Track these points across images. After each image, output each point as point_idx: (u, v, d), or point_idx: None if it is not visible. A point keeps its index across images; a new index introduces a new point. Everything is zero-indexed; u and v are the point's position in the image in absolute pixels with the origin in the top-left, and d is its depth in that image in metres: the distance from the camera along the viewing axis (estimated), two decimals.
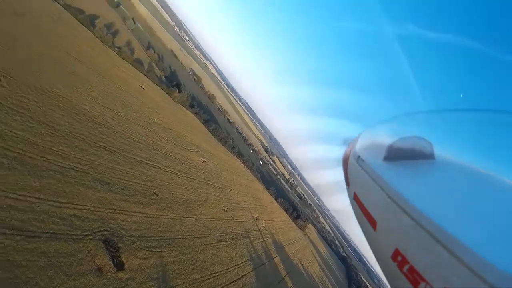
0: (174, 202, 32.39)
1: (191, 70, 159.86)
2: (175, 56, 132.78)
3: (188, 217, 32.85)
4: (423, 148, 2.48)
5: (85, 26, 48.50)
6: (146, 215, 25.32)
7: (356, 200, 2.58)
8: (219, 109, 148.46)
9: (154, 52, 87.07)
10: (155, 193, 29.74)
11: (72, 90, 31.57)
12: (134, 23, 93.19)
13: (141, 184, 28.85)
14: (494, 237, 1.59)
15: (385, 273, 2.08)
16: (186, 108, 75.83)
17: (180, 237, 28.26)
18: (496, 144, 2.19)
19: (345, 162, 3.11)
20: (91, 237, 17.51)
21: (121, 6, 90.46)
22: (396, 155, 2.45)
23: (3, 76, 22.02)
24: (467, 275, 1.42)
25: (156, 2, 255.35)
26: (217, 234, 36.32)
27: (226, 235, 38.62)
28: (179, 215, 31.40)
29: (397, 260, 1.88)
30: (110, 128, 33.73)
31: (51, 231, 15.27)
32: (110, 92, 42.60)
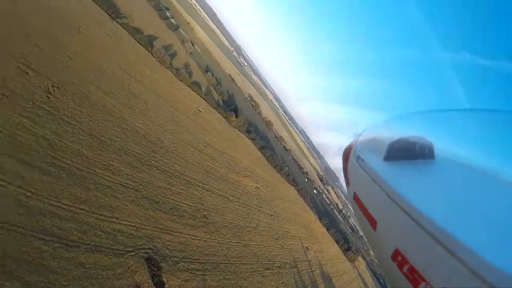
0: (224, 226, 35.04)
1: (249, 95, 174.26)
2: (233, 80, 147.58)
3: (236, 243, 35.65)
4: (423, 148, 2.79)
5: (143, 46, 57.58)
6: (193, 237, 27.24)
7: (356, 200, 2.97)
8: (275, 135, 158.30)
9: (212, 75, 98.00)
10: (204, 216, 32.38)
11: (126, 107, 36.46)
12: (193, 46, 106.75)
13: (191, 205, 31.44)
14: (494, 237, 1.79)
15: (385, 273, 2.39)
16: (243, 133, 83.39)
17: (226, 262, 30.21)
18: (496, 144, 2.46)
19: (345, 162, 3.51)
20: (133, 253, 19.18)
21: (179, 29, 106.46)
22: (396, 155, 2.82)
23: (57, 87, 26.61)
24: (467, 275, 1.63)
25: (215, 27, 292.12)
26: (265, 262, 39.18)
27: (273, 263, 41.59)
28: (227, 240, 33.82)
29: (397, 260, 2.14)
30: (163, 148, 37.29)
31: (92, 243, 16.76)
32: (166, 112, 47.97)
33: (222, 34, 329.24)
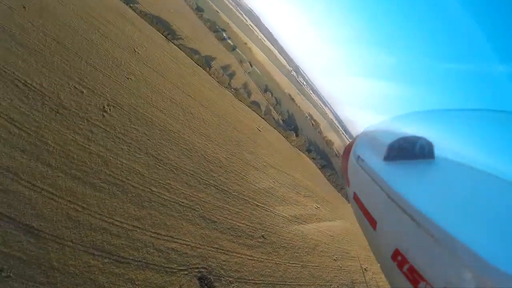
0: (282, 247, 35.03)
1: (309, 114, 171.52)
2: (292, 100, 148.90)
3: (294, 264, 35.86)
4: (423, 148, 2.90)
5: (201, 66, 60.68)
6: (249, 258, 27.31)
7: (356, 200, 3.06)
8: (336, 155, 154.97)
9: (272, 95, 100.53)
10: (262, 236, 32.65)
11: (185, 126, 37.77)
12: (251, 66, 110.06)
13: (249, 225, 31.20)
14: (494, 237, 1.84)
15: (385, 273, 2.45)
16: (303, 152, 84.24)
17: (282, 283, 30.26)
18: (496, 144, 2.60)
19: (345, 162, 3.66)
20: (186, 272, 19.15)
21: (237, 50, 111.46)
22: (396, 155, 2.91)
23: (113, 106, 28.31)
24: (467, 275, 1.69)
25: (272, 47, 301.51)
26: (322, 283, 39.68)
27: (331, 284, 42.18)
28: (285, 261, 33.94)
29: (397, 260, 2.21)
30: (222, 167, 37.45)
31: (143, 260, 16.72)
32: (225, 131, 48.87)
33: (280, 53, 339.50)
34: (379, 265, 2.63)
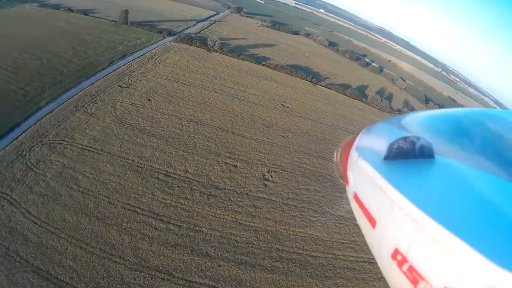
0: None
1: None
2: (453, 101, 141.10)
3: None
4: (423, 147, 2.84)
5: (356, 99, 55.42)
6: None
7: (355, 199, 3.05)
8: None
9: (434, 103, 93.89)
10: None
11: None
12: (404, 81, 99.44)
13: None
14: (494, 237, 1.86)
15: (384, 272, 2.48)
16: None
17: None
18: (496, 143, 2.61)
19: (345, 160, 3.68)
20: None
21: (384, 70, 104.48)
22: (396, 154, 2.87)
23: (274, 171, 24.96)
24: (467, 274, 1.76)
25: (413, 54, 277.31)
26: None
27: None
28: None
29: (396, 259, 2.26)
30: None
31: None
32: None
33: (423, 58, 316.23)
34: (378, 264, 2.55)
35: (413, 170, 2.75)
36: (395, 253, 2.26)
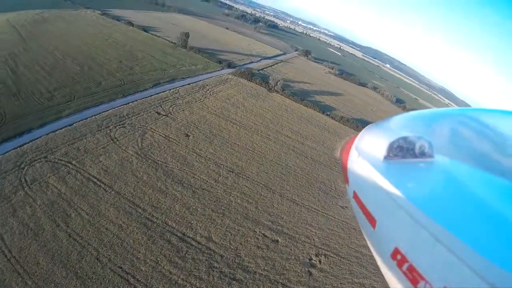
0: None
1: None
2: None
3: None
4: (423, 147, 3.24)
5: None
6: None
7: (355, 199, 3.53)
8: None
9: None
10: None
11: None
12: None
13: None
14: (494, 236, 2.10)
15: (384, 271, 2.91)
16: None
17: None
18: (496, 143, 3.02)
19: (345, 160, 4.17)
20: None
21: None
22: (396, 154, 3.30)
23: (324, 255, 26.71)
24: (467, 274, 1.96)
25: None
26: None
27: None
28: None
29: (396, 259, 2.59)
30: None
31: None
32: None
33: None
34: (378, 264, 2.95)
35: (413, 170, 3.17)
36: (395, 252, 2.60)
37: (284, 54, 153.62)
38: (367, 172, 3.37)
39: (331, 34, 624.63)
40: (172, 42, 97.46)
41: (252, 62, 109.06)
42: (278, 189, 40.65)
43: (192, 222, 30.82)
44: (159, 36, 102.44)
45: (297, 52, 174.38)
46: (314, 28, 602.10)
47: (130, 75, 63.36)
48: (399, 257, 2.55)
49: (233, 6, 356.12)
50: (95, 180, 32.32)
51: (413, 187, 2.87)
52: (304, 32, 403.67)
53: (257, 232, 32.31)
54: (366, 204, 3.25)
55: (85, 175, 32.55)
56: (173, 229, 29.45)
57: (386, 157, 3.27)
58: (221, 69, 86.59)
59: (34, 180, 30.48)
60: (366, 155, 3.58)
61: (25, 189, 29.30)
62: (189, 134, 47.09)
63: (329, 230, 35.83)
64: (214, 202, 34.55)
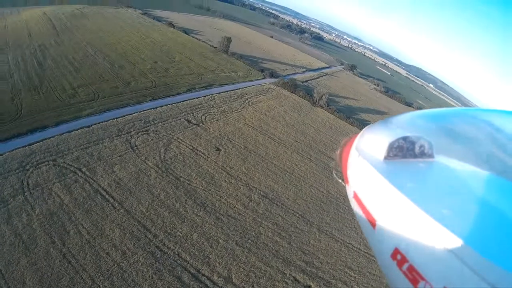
0: None
1: None
2: None
3: None
4: (423, 147, 3.28)
5: None
6: None
7: (355, 199, 3.55)
8: None
9: None
10: None
11: None
12: None
13: None
14: (494, 236, 2.15)
15: (384, 271, 2.90)
16: None
17: None
18: (496, 143, 2.96)
19: (345, 160, 4.24)
20: None
21: None
22: (396, 154, 3.36)
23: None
24: (467, 274, 2.02)
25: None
26: None
27: None
28: None
29: (396, 259, 2.62)
30: None
31: None
32: None
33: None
34: (378, 264, 2.98)
35: (413, 170, 3.21)
36: (395, 252, 2.64)
37: (329, 67, 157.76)
38: (367, 172, 3.43)
39: (376, 50, 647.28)
40: (213, 46, 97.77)
41: (296, 73, 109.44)
42: (316, 221, 37.00)
43: (210, 256, 27.50)
44: (199, 40, 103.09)
45: (342, 66, 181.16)
46: (359, 43, 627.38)
47: (163, 77, 62.58)
48: (399, 257, 2.59)
49: (279, 16, 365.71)
50: (104, 193, 30.07)
51: (413, 187, 2.92)
52: (349, 46, 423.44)
53: (287, 275, 28.58)
54: (366, 204, 3.30)
55: (94, 185, 30.42)
56: (187, 264, 26.22)
57: (386, 157, 3.35)
58: (263, 78, 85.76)
59: (37, 185, 28.69)
60: (366, 155, 3.64)
61: (26, 194, 27.53)
62: (220, 148, 44.48)
63: (370, 275, 32.01)
64: (240, 233, 31.12)
